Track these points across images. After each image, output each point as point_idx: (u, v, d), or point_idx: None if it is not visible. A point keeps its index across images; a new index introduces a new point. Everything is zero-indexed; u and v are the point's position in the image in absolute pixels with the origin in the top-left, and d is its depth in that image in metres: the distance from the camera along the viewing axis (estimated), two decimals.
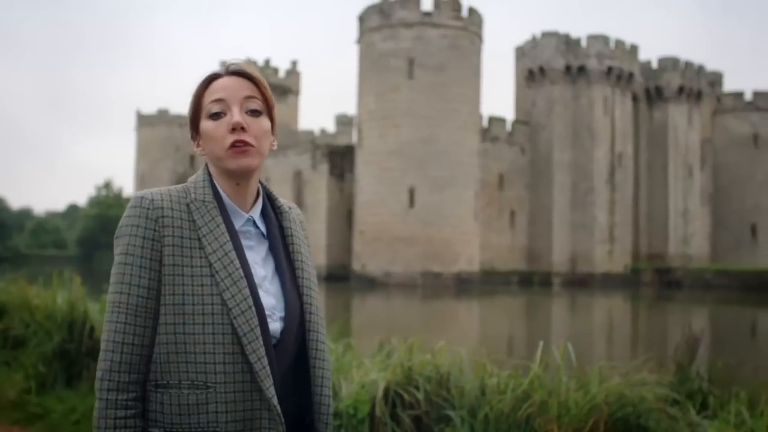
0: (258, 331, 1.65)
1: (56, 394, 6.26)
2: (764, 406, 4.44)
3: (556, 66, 49.01)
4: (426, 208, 41.38)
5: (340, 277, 42.95)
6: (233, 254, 1.68)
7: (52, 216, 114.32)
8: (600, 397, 4.28)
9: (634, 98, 52.59)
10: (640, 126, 53.69)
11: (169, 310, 1.65)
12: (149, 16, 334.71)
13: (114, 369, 1.65)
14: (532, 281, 46.44)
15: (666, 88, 53.72)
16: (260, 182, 1.86)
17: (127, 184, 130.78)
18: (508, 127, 49.50)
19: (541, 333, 17.64)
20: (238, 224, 1.76)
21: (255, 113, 1.74)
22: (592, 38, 49.44)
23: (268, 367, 1.64)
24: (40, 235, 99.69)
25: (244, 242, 1.76)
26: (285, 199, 1.96)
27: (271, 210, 1.87)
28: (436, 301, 32.80)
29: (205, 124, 1.74)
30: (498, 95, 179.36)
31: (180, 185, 1.78)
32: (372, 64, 43.21)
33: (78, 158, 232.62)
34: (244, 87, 1.75)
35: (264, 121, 1.76)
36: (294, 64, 63.49)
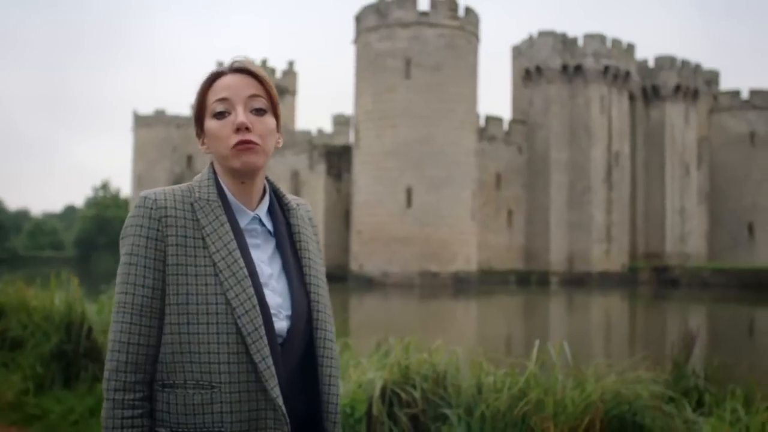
0: (262, 330, 1.64)
1: (54, 395, 6.27)
2: (759, 403, 4.47)
3: (553, 65, 49.06)
4: (423, 208, 41.40)
5: (337, 277, 42.96)
6: (237, 253, 1.67)
7: (50, 217, 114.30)
8: (596, 395, 4.30)
9: (631, 97, 52.66)
10: (636, 125, 53.77)
11: (174, 310, 1.65)
12: (147, 16, 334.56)
13: (120, 369, 1.65)
14: (530, 281, 46.48)
15: (663, 87, 53.79)
16: (267, 179, 1.85)
17: (124, 185, 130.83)
18: (505, 126, 49.53)
19: (538, 332, 17.67)
20: (243, 223, 1.75)
21: (260, 112, 1.73)
22: (589, 37, 49.49)
23: (272, 367, 1.63)
24: (38, 236, 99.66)
25: (250, 240, 1.74)
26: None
27: (279, 207, 1.85)
28: (434, 301, 32.82)
29: (210, 124, 1.73)
30: (495, 95, 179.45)
31: (185, 184, 1.77)
32: (369, 64, 43.22)
33: (75, 159, 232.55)
34: (248, 85, 1.73)
35: (269, 120, 1.74)
36: (291, 64, 63.53)
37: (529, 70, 50.18)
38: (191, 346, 1.63)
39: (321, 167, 47.79)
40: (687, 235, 54.14)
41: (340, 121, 66.51)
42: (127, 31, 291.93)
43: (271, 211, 1.82)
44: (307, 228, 1.87)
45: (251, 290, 1.65)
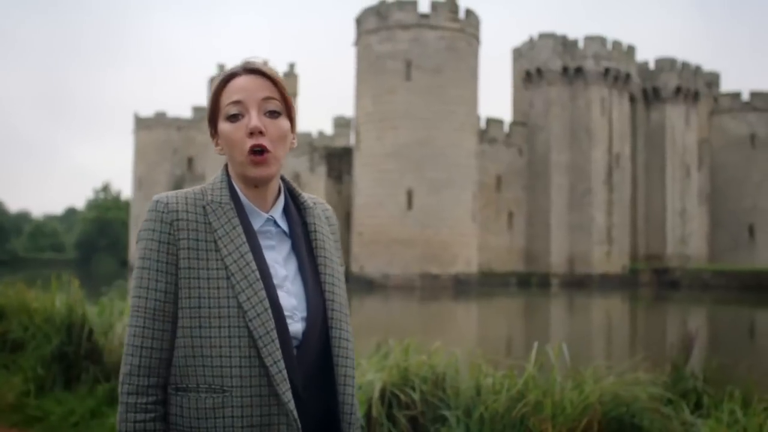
0: (274, 334, 1.62)
1: (55, 396, 6.29)
2: (757, 404, 4.48)
3: (554, 67, 49.09)
4: (424, 210, 41.42)
5: None
6: (249, 256, 1.66)
7: (50, 219, 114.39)
8: (594, 396, 4.32)
9: (632, 99, 52.68)
10: (637, 127, 53.78)
11: (186, 314, 1.64)
12: (147, 18, 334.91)
13: (134, 373, 1.65)
14: (530, 282, 46.48)
15: (663, 89, 53.81)
16: (283, 179, 1.83)
17: (125, 187, 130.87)
18: (506, 128, 49.54)
19: (538, 334, 17.68)
20: (257, 225, 1.73)
21: (273, 114, 1.72)
22: (589, 39, 49.53)
23: (284, 371, 1.62)
24: (38, 238, 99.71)
25: (265, 242, 1.73)
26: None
27: (295, 207, 1.83)
28: (434, 303, 32.83)
29: (223, 126, 1.72)
30: (495, 97, 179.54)
31: (198, 187, 1.76)
32: (369, 66, 43.26)
33: (76, 161, 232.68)
34: (262, 87, 1.72)
35: (283, 123, 1.73)
36: (291, 66, 63.56)
37: (529, 72, 50.21)
38: (203, 349, 1.62)
39: (322, 169, 47.83)
40: (687, 236, 54.14)
41: (341, 123, 66.52)
42: (127, 31, 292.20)
43: (286, 211, 1.80)
44: (323, 226, 1.84)
45: (263, 293, 1.64)
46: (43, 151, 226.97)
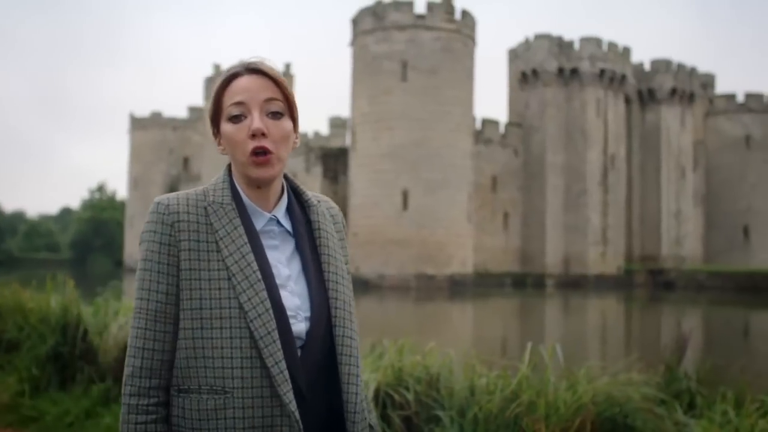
0: (276, 334, 1.61)
1: (50, 396, 6.29)
2: (749, 405, 4.51)
3: (549, 68, 49.15)
4: (419, 211, 41.44)
5: None
6: (251, 256, 1.65)
7: (46, 219, 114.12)
8: (587, 396, 4.34)
9: (627, 100, 52.77)
10: (632, 128, 53.88)
11: (188, 315, 1.64)
12: (143, 18, 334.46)
13: (135, 374, 1.65)
14: (526, 283, 46.54)
15: (658, 90, 53.92)
16: (287, 177, 1.83)
17: (120, 187, 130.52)
18: (501, 129, 49.59)
19: (533, 335, 17.71)
20: (259, 225, 1.72)
21: (276, 115, 1.71)
22: (585, 40, 49.61)
23: (286, 372, 1.61)
24: (33, 238, 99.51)
25: (268, 242, 1.72)
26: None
27: (298, 206, 1.82)
28: (430, 303, 32.85)
29: (225, 127, 1.71)
30: (491, 98, 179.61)
31: (200, 188, 1.75)
32: (365, 67, 43.27)
33: (71, 161, 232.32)
34: (264, 88, 1.71)
35: (285, 123, 1.72)
36: (288, 66, 63.53)
37: (525, 73, 50.28)
38: (205, 351, 1.62)
39: (317, 169, 47.83)
40: (683, 237, 54.25)
41: (337, 124, 66.54)
42: (124, 32, 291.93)
43: (290, 210, 1.79)
44: (327, 224, 1.83)
45: (264, 293, 1.63)
46: (38, 150, 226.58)
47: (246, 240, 1.67)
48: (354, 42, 44.62)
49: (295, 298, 1.70)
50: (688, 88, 54.66)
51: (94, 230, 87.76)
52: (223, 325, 1.62)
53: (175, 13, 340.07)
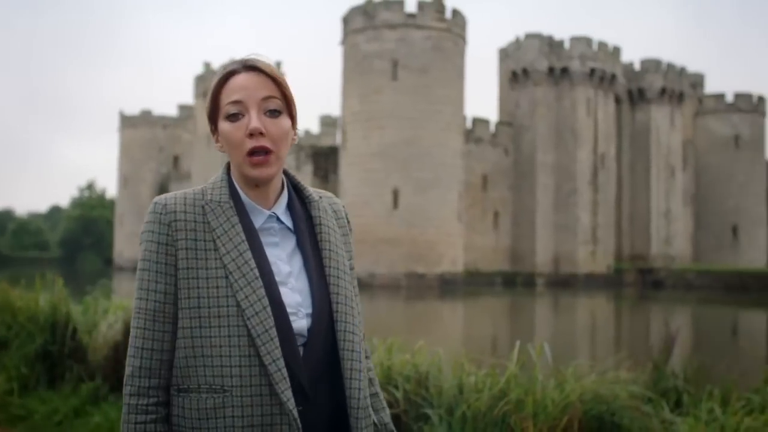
0: (273, 332, 1.60)
1: (39, 395, 6.28)
2: (735, 403, 4.54)
3: (540, 67, 49.26)
4: (410, 210, 41.47)
5: None
6: (248, 254, 1.65)
7: (35, 217, 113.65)
8: (575, 395, 4.36)
9: (617, 100, 52.94)
10: (622, 127, 54.06)
11: (186, 314, 1.63)
12: (135, 15, 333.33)
13: (135, 374, 1.65)
14: (516, 282, 46.63)
15: (648, 90, 54.11)
16: (287, 173, 1.82)
17: (110, 186, 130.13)
18: (492, 128, 49.67)
19: (523, 333, 17.76)
20: (258, 222, 1.72)
21: (274, 113, 1.69)
22: (575, 40, 49.72)
23: (284, 370, 1.60)
24: (22, 236, 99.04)
25: (267, 239, 1.71)
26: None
27: (299, 201, 1.81)
28: (420, 302, 32.87)
29: (223, 126, 1.70)
30: (482, 97, 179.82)
31: (199, 187, 1.74)
32: (356, 66, 43.25)
33: (61, 159, 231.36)
34: (262, 86, 1.69)
35: (283, 121, 1.71)
36: (278, 65, 63.45)
37: (515, 73, 50.37)
38: (203, 349, 1.61)
39: (308, 168, 47.79)
40: (672, 237, 54.47)
41: (327, 122, 66.51)
42: (112, 29, 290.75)
43: (290, 206, 1.78)
44: (329, 219, 1.82)
45: (262, 291, 1.62)
46: (27, 148, 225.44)
47: (243, 238, 1.66)
48: (345, 41, 44.59)
49: (295, 295, 1.69)
50: (677, 87, 54.87)
51: (84, 228, 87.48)
52: (221, 323, 1.61)
53: (166, 12, 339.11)
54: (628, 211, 54.12)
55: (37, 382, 6.45)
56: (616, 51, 51.62)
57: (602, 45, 50.36)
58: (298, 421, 1.60)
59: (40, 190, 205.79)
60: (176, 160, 69.01)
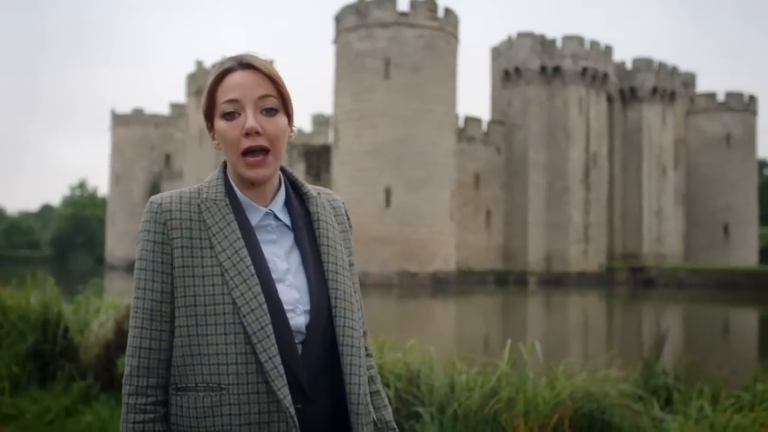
0: (269, 329, 1.59)
1: (30, 394, 6.27)
2: (725, 400, 4.57)
3: (532, 66, 49.31)
4: (402, 208, 41.47)
5: None
6: (244, 252, 1.64)
7: (26, 216, 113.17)
8: (566, 393, 4.38)
9: (609, 99, 53.04)
10: (614, 126, 54.17)
11: (183, 312, 1.63)
12: (124, 14, 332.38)
13: (133, 374, 1.65)
14: (508, 280, 46.68)
15: (640, 89, 54.21)
16: (285, 170, 1.81)
17: (102, 184, 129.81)
18: (484, 127, 49.71)
19: (515, 332, 17.80)
20: (255, 220, 1.71)
21: (270, 112, 1.69)
22: (567, 39, 49.79)
23: (280, 367, 1.59)
24: (13, 235, 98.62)
25: (265, 237, 1.71)
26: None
27: (297, 198, 1.81)
28: (412, 301, 32.90)
29: (219, 124, 1.69)
30: (474, 95, 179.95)
31: (195, 186, 1.74)
32: (348, 64, 43.23)
33: (52, 158, 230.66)
34: (258, 84, 1.69)
35: (280, 120, 1.70)
36: (270, 63, 63.37)
37: (508, 71, 50.41)
38: (200, 347, 1.61)
39: (300, 167, 47.74)
40: (664, 235, 54.61)
41: (320, 121, 66.42)
42: (103, 28, 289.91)
43: (288, 203, 1.77)
44: (327, 215, 1.81)
45: (257, 288, 1.61)
46: (18, 147, 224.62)
47: (239, 236, 1.66)
48: (337, 39, 44.56)
49: (293, 292, 1.68)
50: (669, 86, 55.00)
51: (75, 227, 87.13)
52: (218, 321, 1.61)
53: (157, 10, 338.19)
54: (620, 210, 54.24)
55: (29, 381, 6.44)
56: (608, 50, 51.72)
57: (594, 44, 50.45)
58: (295, 418, 1.59)
59: (31, 188, 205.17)
60: (168, 158, 68.84)
